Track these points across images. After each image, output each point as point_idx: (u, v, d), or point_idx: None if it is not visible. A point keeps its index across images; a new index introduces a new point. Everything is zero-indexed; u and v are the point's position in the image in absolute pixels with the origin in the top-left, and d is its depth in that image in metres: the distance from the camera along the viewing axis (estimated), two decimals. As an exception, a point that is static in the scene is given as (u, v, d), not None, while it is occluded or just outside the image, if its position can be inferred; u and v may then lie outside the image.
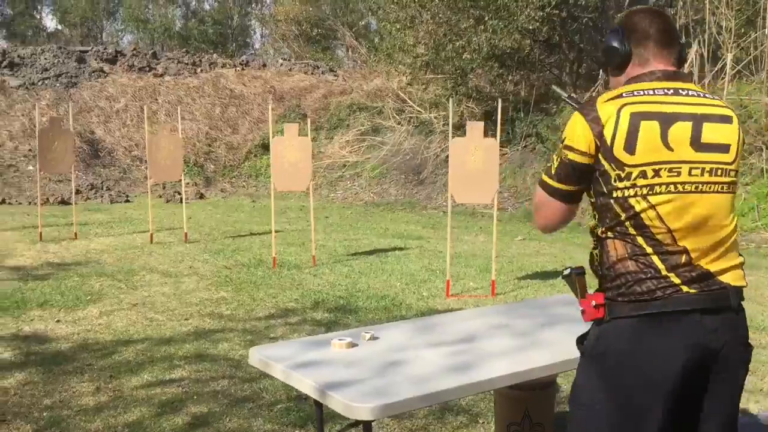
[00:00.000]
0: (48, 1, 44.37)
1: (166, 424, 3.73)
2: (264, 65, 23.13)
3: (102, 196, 14.84)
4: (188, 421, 3.77)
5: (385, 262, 8.23)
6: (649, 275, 1.82)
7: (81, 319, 5.74)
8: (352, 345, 2.61)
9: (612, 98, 1.86)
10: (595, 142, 1.83)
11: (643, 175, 1.81)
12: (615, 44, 1.95)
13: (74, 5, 39.52)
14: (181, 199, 15.32)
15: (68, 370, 4.55)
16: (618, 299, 1.85)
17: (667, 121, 1.82)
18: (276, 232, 8.29)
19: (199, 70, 20.96)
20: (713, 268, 1.85)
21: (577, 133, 1.86)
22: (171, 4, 41.77)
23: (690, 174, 1.82)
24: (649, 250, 1.83)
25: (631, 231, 1.84)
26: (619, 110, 1.81)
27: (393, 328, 3.03)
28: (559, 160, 1.91)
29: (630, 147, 1.80)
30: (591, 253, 1.99)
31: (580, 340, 1.97)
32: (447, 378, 2.31)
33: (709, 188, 1.85)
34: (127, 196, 15.37)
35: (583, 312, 1.91)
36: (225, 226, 11.35)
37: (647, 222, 1.82)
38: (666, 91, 1.87)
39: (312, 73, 22.28)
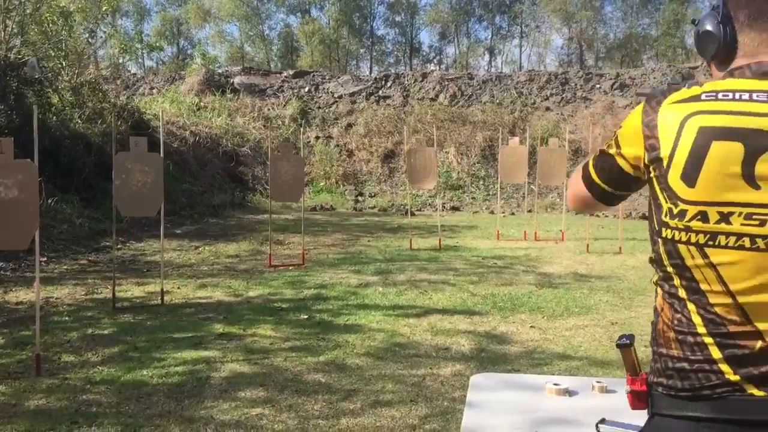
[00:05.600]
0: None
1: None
2: None
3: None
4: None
5: None
6: (696, 363, 1.19)
7: (551, 329, 5.99)
8: (567, 393, 2.23)
9: (683, 100, 1.25)
10: (645, 159, 1.28)
11: (703, 217, 1.19)
12: (708, 28, 1.32)
13: None
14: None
15: (491, 369, 4.88)
16: (658, 389, 1.26)
17: (759, 143, 1.16)
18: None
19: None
20: None
21: (629, 131, 1.33)
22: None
23: None
24: (701, 328, 1.20)
25: (681, 293, 1.23)
26: (684, 121, 1.22)
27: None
28: (606, 146, 1.40)
29: (689, 176, 1.20)
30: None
31: None
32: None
33: None
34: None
35: None
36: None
37: (703, 286, 1.20)
38: None
39: None
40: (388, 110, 21.48)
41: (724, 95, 1.22)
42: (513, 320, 6.27)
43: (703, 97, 1.23)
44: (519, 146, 11.67)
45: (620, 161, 1.36)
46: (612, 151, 1.38)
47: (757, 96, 1.20)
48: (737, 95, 1.21)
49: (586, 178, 1.46)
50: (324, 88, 22.85)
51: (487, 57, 45.00)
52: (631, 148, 1.32)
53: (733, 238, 1.17)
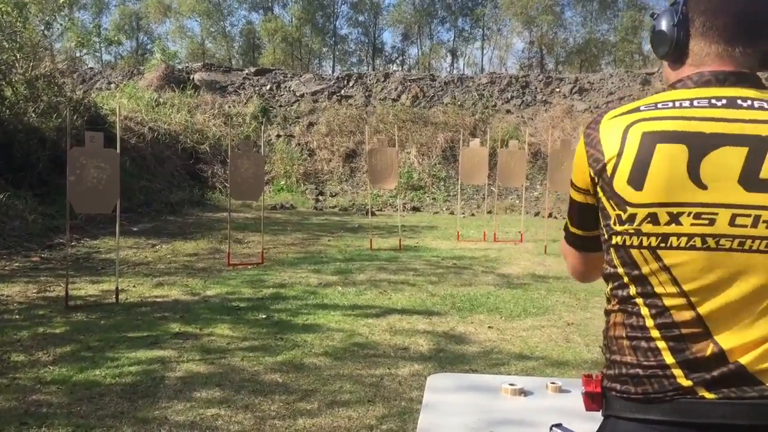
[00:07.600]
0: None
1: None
2: None
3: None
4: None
5: None
6: (649, 369, 1.20)
7: (508, 329, 6.04)
8: (523, 393, 2.25)
9: (622, 113, 1.27)
10: (590, 174, 1.29)
11: (653, 219, 1.19)
12: (662, 27, 1.31)
13: None
14: None
15: (449, 369, 4.91)
16: (612, 392, 1.27)
17: (702, 145, 1.17)
18: None
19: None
20: (759, 365, 1.14)
21: (576, 161, 1.34)
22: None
23: (732, 224, 1.15)
24: (654, 332, 1.20)
25: (636, 299, 1.23)
26: (626, 130, 1.23)
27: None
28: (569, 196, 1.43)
29: (636, 179, 1.20)
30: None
31: None
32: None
33: (766, 246, 1.14)
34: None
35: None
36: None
37: (657, 289, 1.20)
38: (713, 101, 1.20)
39: None
40: (350, 110, 21.45)
41: (663, 105, 1.23)
42: (471, 320, 6.32)
43: (642, 108, 1.25)
44: (480, 148, 11.76)
45: (575, 195, 1.38)
46: (570, 194, 1.41)
47: (698, 102, 1.21)
48: (677, 103, 1.22)
49: (567, 234, 1.48)
50: (286, 87, 22.71)
51: (449, 59, 45.28)
52: (580, 174, 1.33)
53: (684, 239, 1.17)
